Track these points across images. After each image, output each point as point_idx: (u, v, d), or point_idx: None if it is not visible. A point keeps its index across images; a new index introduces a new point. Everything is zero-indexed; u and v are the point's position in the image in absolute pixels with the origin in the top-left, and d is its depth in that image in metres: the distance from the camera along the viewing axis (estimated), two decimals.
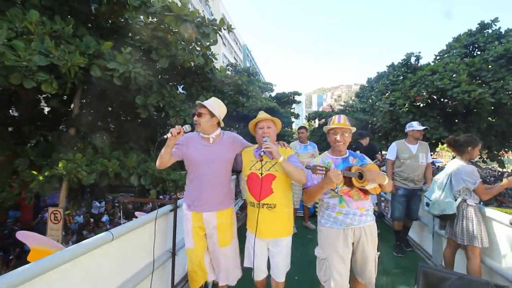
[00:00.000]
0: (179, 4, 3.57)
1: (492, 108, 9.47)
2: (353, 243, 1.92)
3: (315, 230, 2.21)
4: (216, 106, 2.05)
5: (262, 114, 2.06)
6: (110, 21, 4.77)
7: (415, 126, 3.64)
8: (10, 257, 7.27)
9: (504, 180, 2.50)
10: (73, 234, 7.71)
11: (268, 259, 2.04)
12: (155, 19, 4.18)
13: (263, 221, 1.92)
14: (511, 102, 8.95)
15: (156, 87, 4.44)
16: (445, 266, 2.86)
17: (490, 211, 2.60)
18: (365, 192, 1.94)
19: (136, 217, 2.28)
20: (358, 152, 4.59)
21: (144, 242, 2.04)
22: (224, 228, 2.06)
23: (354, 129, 2.02)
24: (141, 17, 4.29)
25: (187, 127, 1.95)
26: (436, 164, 21.25)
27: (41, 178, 3.03)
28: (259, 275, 2.02)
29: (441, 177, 2.92)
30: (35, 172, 3.11)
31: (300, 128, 4.60)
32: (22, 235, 2.15)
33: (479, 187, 2.56)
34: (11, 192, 3.32)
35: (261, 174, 1.93)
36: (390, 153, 3.81)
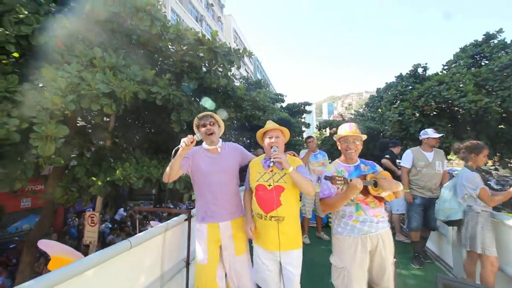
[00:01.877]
0: (209, 36, 4.28)
1: (504, 115, 9.66)
2: (370, 251, 1.87)
3: (329, 241, 2.14)
4: (219, 118, 2.10)
5: (270, 124, 2.00)
6: (145, 49, 5.56)
7: (430, 133, 3.47)
8: (49, 258, 8.03)
9: None
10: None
11: (280, 272, 1.94)
12: (185, 47, 4.90)
13: (271, 234, 1.85)
14: None
15: (186, 105, 5.12)
16: (466, 278, 2.70)
17: (507, 218, 2.47)
18: (380, 199, 1.93)
19: (152, 226, 2.27)
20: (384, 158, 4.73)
21: (159, 251, 2.04)
22: (239, 236, 2.03)
23: (364, 137, 2.02)
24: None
25: (198, 136, 1.94)
26: (451, 173, 20.78)
27: (99, 183, 3.69)
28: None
29: (449, 184, 2.94)
30: (94, 178, 3.77)
31: (308, 137, 4.58)
32: (43, 244, 2.17)
33: (481, 193, 2.48)
34: (72, 194, 3.99)
35: (270, 185, 1.85)
36: (406, 161, 3.55)
